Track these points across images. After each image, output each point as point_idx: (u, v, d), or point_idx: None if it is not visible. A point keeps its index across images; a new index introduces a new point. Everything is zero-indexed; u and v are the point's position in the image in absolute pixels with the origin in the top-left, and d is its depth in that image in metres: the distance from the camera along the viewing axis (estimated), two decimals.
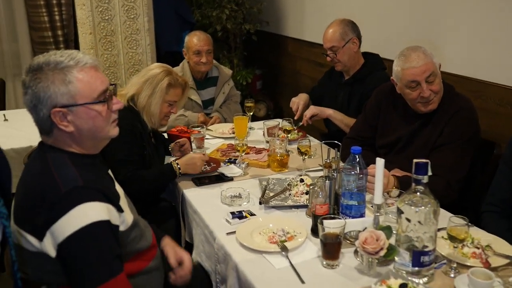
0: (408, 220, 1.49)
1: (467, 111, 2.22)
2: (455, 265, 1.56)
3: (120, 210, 1.43)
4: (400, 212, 1.50)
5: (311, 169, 2.47)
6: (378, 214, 1.66)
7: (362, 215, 1.78)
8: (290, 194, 2.14)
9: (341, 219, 1.68)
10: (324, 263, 1.62)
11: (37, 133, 1.47)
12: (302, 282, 1.54)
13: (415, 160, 1.48)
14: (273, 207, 2.05)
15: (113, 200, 1.42)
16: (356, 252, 1.66)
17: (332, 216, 1.72)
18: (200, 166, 2.35)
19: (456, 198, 2.15)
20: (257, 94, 5.20)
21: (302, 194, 2.12)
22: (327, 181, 1.84)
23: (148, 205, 2.40)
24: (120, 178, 1.81)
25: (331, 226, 1.60)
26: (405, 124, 2.36)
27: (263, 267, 1.63)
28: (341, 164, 1.97)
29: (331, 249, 1.61)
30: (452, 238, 1.56)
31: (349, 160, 1.76)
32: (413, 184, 1.50)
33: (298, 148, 2.38)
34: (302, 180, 2.20)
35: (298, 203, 2.06)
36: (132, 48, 3.87)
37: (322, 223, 1.60)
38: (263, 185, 2.23)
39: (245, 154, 2.56)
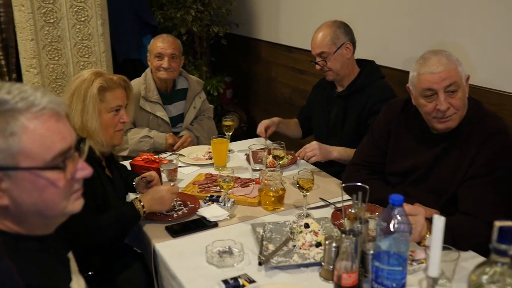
0: None
1: (504, 135, 1.81)
2: None
3: None
4: None
5: (311, 206, 2.01)
6: None
7: (403, 286, 1.33)
8: (294, 246, 1.67)
9: None
10: None
11: None
12: None
13: (497, 223, 1.05)
14: (276, 267, 1.58)
15: None
16: None
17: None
18: (170, 200, 1.88)
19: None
20: (227, 104, 4.70)
21: (310, 246, 1.65)
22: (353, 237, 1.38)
23: (110, 257, 1.89)
24: (73, 235, 1.33)
25: None
26: (423, 149, 1.95)
27: None
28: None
29: None
30: None
31: (387, 213, 1.31)
32: (493, 255, 1.07)
33: (297, 183, 1.92)
34: (307, 225, 1.74)
35: (308, 259, 1.59)
36: (83, 56, 3.28)
37: None
38: (258, 233, 1.75)
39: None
